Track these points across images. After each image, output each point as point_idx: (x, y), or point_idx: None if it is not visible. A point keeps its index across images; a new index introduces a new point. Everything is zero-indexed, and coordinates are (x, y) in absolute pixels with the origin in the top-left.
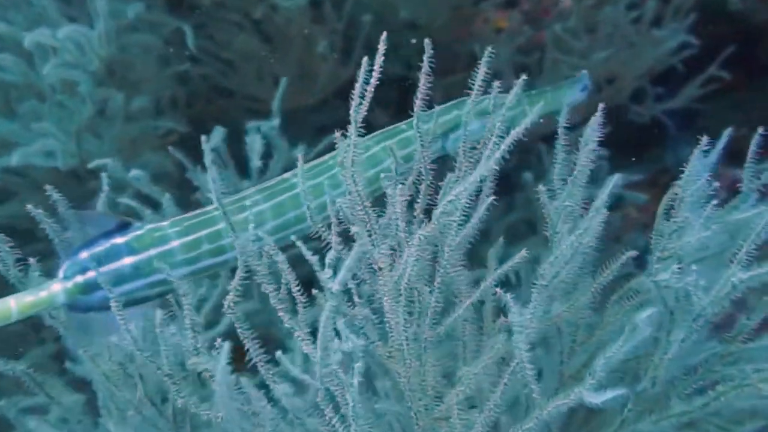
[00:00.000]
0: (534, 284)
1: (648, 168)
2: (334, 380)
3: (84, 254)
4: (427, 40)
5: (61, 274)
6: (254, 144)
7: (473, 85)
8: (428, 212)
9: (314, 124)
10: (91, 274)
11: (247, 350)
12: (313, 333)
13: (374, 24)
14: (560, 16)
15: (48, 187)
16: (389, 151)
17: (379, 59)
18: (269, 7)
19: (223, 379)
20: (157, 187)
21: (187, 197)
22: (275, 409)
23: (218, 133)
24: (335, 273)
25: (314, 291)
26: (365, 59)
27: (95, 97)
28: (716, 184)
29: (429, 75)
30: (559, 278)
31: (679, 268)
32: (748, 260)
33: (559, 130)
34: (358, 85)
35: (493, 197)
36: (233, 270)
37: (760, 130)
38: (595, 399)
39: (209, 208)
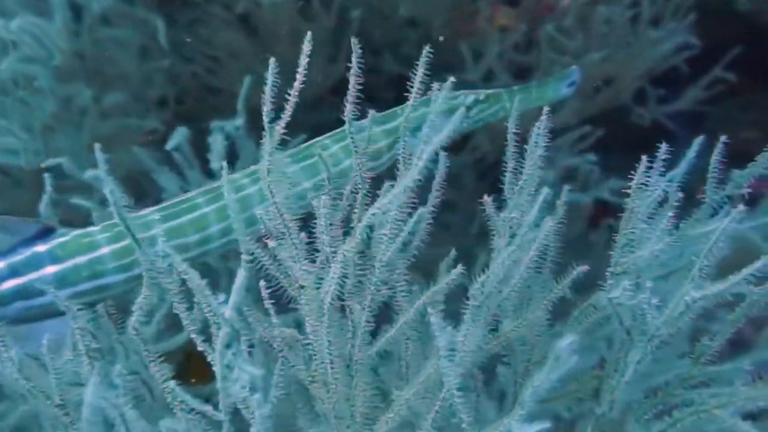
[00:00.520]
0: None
1: None
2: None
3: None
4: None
5: None
6: (215, 145)
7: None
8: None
9: (307, 122)
10: (6, 284)
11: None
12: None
13: (373, 21)
14: (564, 15)
15: None
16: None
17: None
18: (252, 1)
19: (92, 407)
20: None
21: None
22: None
23: (180, 134)
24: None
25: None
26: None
27: (59, 92)
28: (679, 194)
29: (359, 76)
30: (504, 295)
31: (633, 285)
32: (702, 278)
33: (509, 135)
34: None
35: (430, 208)
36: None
37: (723, 138)
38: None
39: (145, 211)
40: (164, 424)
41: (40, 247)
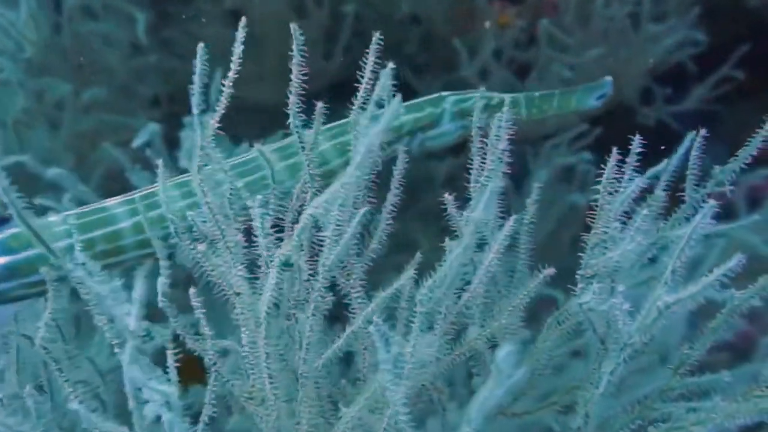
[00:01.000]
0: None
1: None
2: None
3: None
4: None
5: None
6: (185, 141)
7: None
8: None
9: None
10: None
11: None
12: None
13: (375, 19)
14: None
15: None
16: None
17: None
18: None
19: None
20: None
21: None
22: None
23: (150, 130)
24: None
25: None
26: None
27: (30, 86)
28: (662, 192)
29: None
30: (464, 301)
31: (604, 289)
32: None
33: (473, 131)
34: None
35: (366, 207)
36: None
37: (703, 132)
38: None
39: (108, 202)
40: None
41: None
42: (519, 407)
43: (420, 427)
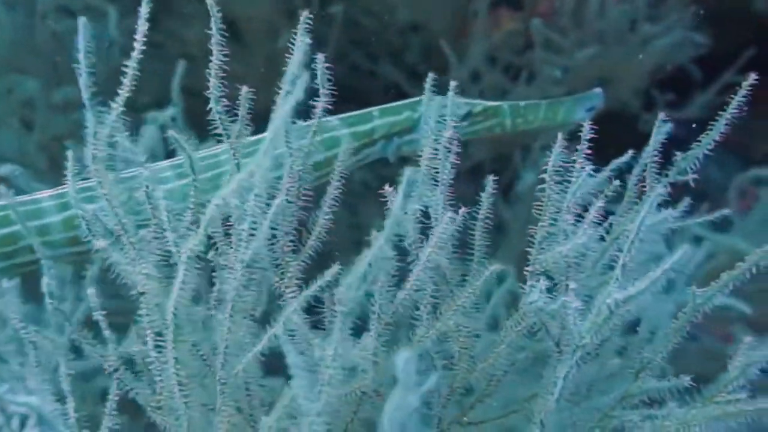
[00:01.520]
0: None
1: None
2: None
3: None
4: None
5: None
6: (144, 138)
7: None
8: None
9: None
10: None
11: None
12: None
13: (374, 25)
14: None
15: None
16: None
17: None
18: None
19: None
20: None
21: None
22: None
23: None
24: None
25: None
26: None
27: None
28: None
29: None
30: (400, 299)
31: (552, 287)
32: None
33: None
34: None
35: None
36: None
37: (661, 116)
38: None
39: (39, 195)
40: None
41: None
42: (476, 415)
43: None
